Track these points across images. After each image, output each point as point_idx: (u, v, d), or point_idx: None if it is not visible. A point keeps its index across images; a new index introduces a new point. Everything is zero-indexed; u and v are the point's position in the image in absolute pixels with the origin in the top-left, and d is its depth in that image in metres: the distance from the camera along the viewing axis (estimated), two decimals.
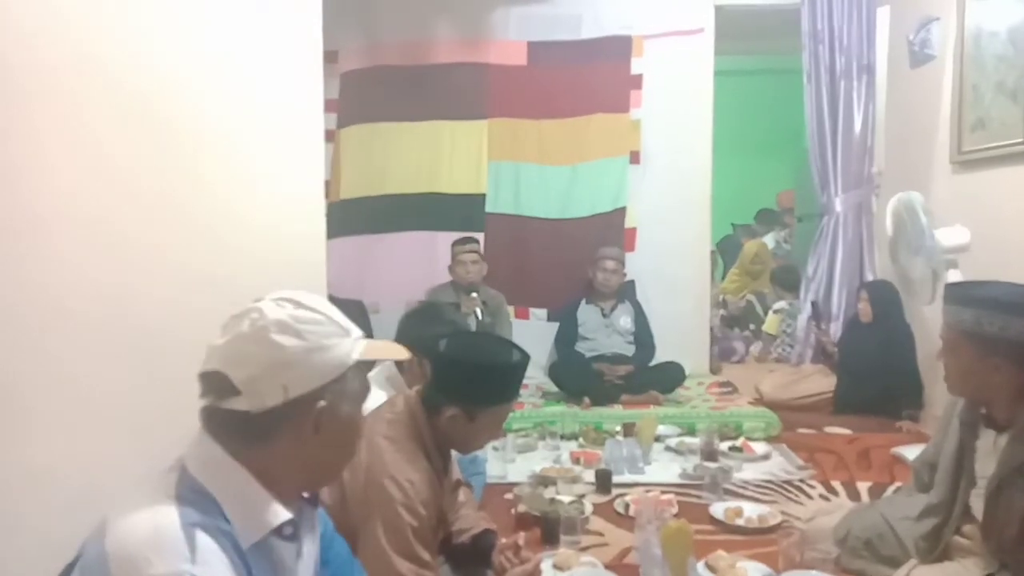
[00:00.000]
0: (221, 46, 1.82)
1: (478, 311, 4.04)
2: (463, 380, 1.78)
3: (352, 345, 1.07)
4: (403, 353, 1.19)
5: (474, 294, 4.16)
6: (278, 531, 1.03)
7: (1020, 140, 3.14)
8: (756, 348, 5.48)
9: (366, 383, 1.12)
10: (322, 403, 1.03)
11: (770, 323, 5.44)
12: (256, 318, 1.02)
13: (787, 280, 5.56)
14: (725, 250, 6.98)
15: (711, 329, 5.10)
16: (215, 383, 1.00)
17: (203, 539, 0.94)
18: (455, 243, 4.39)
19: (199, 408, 1.03)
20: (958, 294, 1.95)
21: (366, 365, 1.12)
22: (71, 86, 1.41)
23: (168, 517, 0.94)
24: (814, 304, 4.64)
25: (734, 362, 5.34)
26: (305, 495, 1.14)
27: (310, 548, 1.13)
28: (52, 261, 1.35)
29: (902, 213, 3.13)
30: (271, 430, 1.01)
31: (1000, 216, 3.27)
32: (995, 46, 3.34)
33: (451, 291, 4.30)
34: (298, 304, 1.04)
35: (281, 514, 1.03)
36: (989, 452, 1.92)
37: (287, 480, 1.05)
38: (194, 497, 0.98)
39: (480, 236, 4.62)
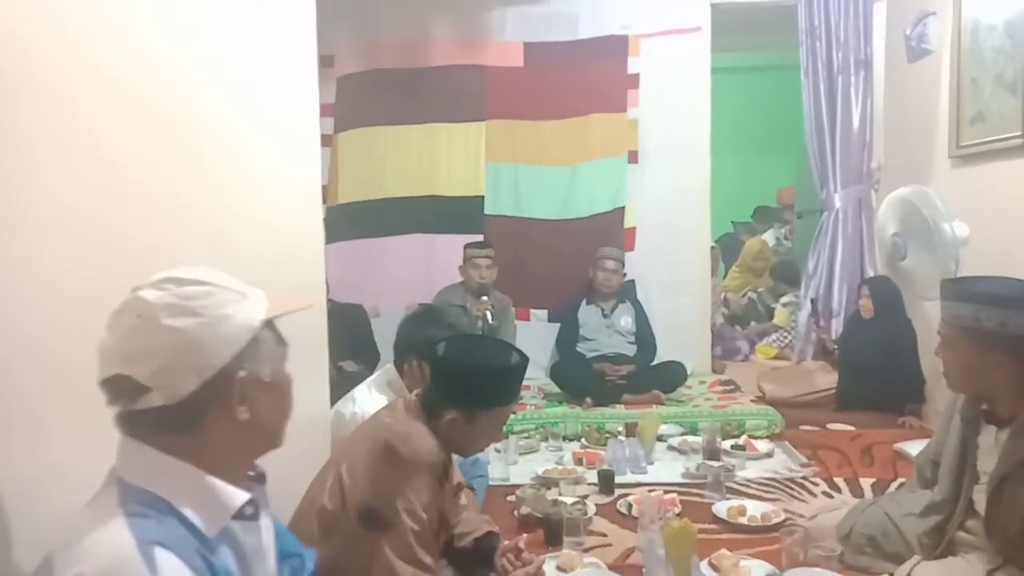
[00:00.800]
0: (215, 51, 1.81)
1: (488, 314, 4.04)
2: (461, 383, 1.78)
3: (253, 306, 1.02)
4: (304, 303, 1.16)
5: (484, 297, 4.17)
6: (239, 513, 1.00)
7: (1019, 133, 3.13)
8: (770, 340, 5.47)
9: (281, 338, 1.08)
10: (241, 373, 0.99)
11: (779, 316, 5.45)
12: (141, 308, 0.95)
13: (786, 275, 5.56)
14: (725, 248, 6.96)
15: (713, 327, 5.09)
16: (121, 387, 0.94)
17: (163, 557, 0.88)
18: (469, 246, 4.38)
19: (113, 416, 0.97)
20: (957, 290, 1.94)
21: (273, 323, 1.07)
22: (66, 90, 1.41)
23: (122, 539, 0.88)
24: (813, 301, 4.64)
25: (738, 360, 5.33)
26: (252, 473, 1.11)
27: (267, 523, 1.12)
28: (50, 264, 1.35)
29: (913, 207, 3.14)
30: (197, 416, 0.97)
31: (1000, 210, 3.26)
32: (993, 39, 3.33)
33: (461, 293, 4.30)
34: (180, 281, 0.98)
35: (238, 496, 1.00)
36: (991, 448, 1.92)
37: (232, 458, 1.02)
38: (144, 506, 0.93)
39: (477, 238, 4.62)
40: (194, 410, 0.96)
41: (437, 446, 1.76)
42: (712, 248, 5.47)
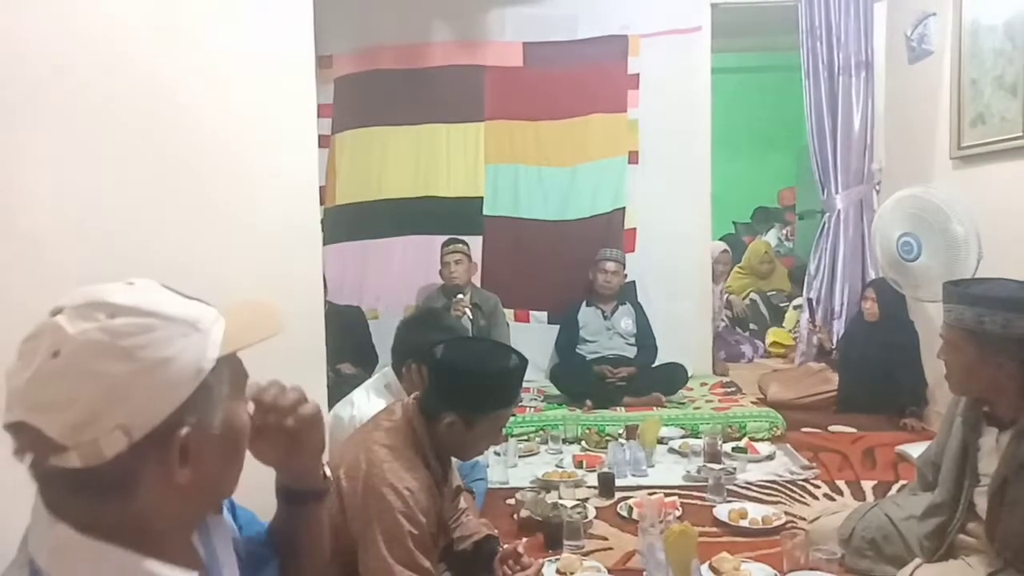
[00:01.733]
0: (211, 52, 1.81)
1: (467, 312, 4.02)
2: (460, 387, 1.77)
3: (205, 342, 0.80)
4: (275, 326, 0.89)
5: (460, 296, 4.14)
6: None
7: (1020, 134, 3.11)
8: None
9: (239, 368, 0.87)
10: (184, 430, 0.77)
11: (790, 319, 5.45)
12: (56, 343, 0.74)
13: (803, 278, 5.59)
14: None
15: (716, 330, 5.08)
16: (28, 439, 0.74)
17: None
18: (442, 244, 4.38)
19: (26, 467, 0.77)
20: (958, 292, 1.93)
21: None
22: (61, 92, 1.41)
23: None
24: (810, 302, 4.63)
25: (743, 363, 5.31)
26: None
27: (225, 559, 0.93)
28: (48, 267, 1.34)
29: (932, 204, 3.15)
30: (124, 481, 0.76)
31: (1001, 211, 3.25)
32: (993, 40, 3.32)
33: (440, 295, 4.30)
34: (113, 310, 0.76)
35: None
36: (993, 450, 1.91)
37: (172, 528, 0.83)
38: None
39: (477, 239, 4.61)
40: (120, 475, 0.75)
41: (426, 486, 1.74)
42: (724, 252, 5.47)
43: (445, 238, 4.49)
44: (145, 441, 0.75)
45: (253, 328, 0.87)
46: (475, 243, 4.69)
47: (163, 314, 0.78)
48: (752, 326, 5.76)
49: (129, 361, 0.74)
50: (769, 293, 5.92)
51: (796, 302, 5.49)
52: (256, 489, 1.02)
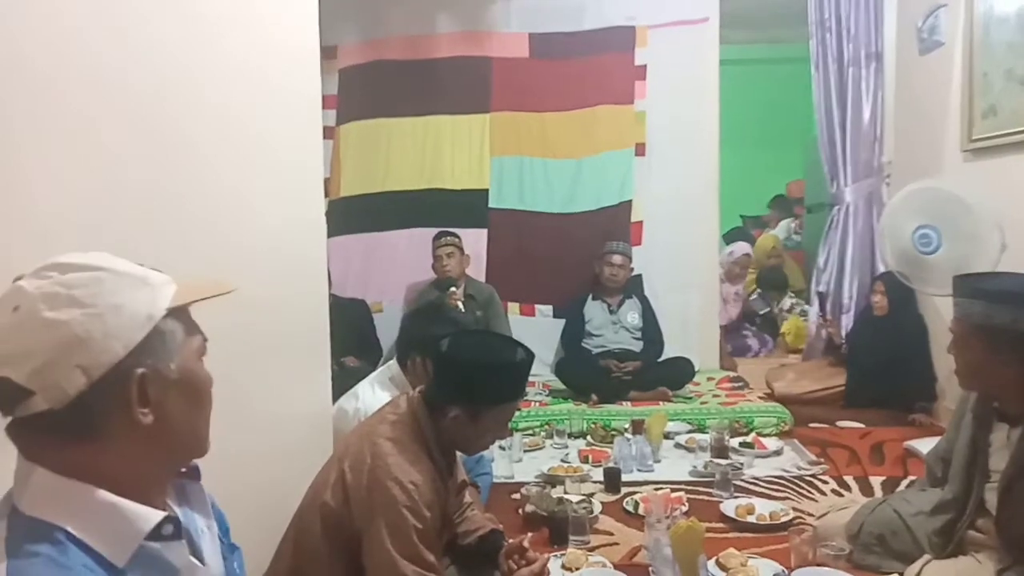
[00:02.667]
0: (215, 43, 1.80)
1: (460, 305, 4.00)
2: (465, 380, 1.75)
3: (155, 293, 0.87)
4: (226, 285, 0.95)
5: (453, 288, 4.13)
6: (157, 534, 0.87)
7: None
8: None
9: (194, 328, 0.94)
10: (140, 370, 0.84)
11: (788, 326, 5.41)
12: (18, 300, 0.82)
13: (775, 281, 5.57)
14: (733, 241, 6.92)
15: (726, 325, 5.06)
16: (0, 391, 0.82)
17: None
18: (433, 238, 4.37)
19: (4, 427, 0.85)
20: (968, 287, 1.91)
21: (184, 310, 0.92)
22: (63, 85, 1.40)
23: None
24: (820, 295, 4.60)
25: (750, 357, 5.29)
26: (183, 469, 0.98)
27: (205, 524, 0.99)
28: None
29: (954, 196, 3.13)
30: (90, 422, 0.83)
31: (1011, 204, 3.21)
32: (1004, 32, 3.28)
33: (433, 288, 4.29)
34: (65, 267, 0.84)
35: (150, 518, 0.86)
36: (1003, 446, 1.90)
37: (142, 471, 0.88)
38: (35, 542, 0.80)
39: (482, 232, 4.59)
40: (86, 414, 0.82)
41: (431, 480, 1.73)
42: (746, 255, 5.45)
43: (468, 233, 4.48)
44: (104, 381, 0.82)
45: (203, 288, 0.93)
46: (480, 236, 4.68)
47: (113, 269, 0.86)
48: (758, 320, 5.73)
49: (82, 307, 0.82)
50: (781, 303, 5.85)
51: (801, 307, 5.45)
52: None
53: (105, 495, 0.84)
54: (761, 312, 5.66)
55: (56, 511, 0.82)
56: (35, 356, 0.80)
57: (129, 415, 0.84)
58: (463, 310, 4.00)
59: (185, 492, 0.97)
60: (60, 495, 0.83)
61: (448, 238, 4.35)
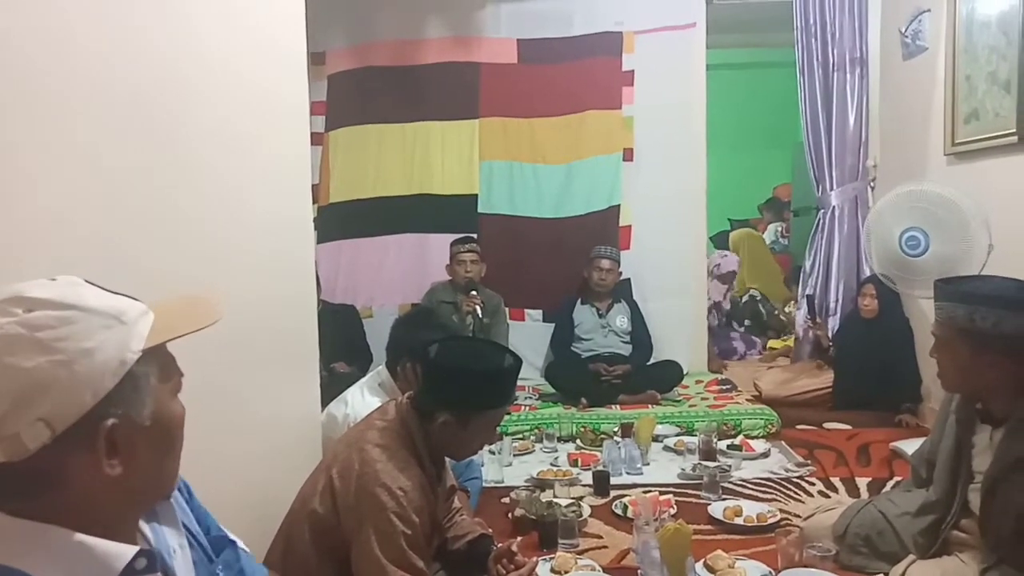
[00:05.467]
0: (200, 48, 1.80)
1: (478, 309, 4.01)
2: (454, 386, 1.76)
3: (129, 333, 0.79)
4: (208, 317, 0.86)
5: (474, 292, 4.14)
6: (131, 570, 0.80)
7: (1014, 131, 3.11)
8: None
9: (170, 366, 0.86)
10: (110, 421, 0.76)
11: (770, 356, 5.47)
12: None
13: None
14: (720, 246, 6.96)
15: (711, 327, 5.08)
16: None
17: None
18: (454, 243, 4.38)
19: None
20: (950, 290, 1.93)
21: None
22: (54, 91, 1.40)
23: None
24: (809, 298, 4.63)
25: (735, 360, 5.32)
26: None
27: (176, 543, 0.93)
28: (45, 267, 1.33)
29: (943, 199, 3.17)
30: (54, 473, 0.75)
31: (994, 207, 3.25)
32: (987, 36, 3.32)
33: (450, 290, 4.29)
34: (31, 303, 0.75)
35: (122, 554, 0.79)
36: (986, 447, 1.91)
37: (110, 513, 0.81)
38: None
39: (471, 237, 4.59)
40: (47, 467, 0.74)
41: (419, 486, 1.73)
42: (732, 272, 5.49)
43: (446, 237, 4.46)
44: (69, 434, 0.74)
45: (184, 319, 0.85)
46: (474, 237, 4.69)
47: (83, 306, 0.77)
48: (747, 322, 5.76)
49: (48, 353, 0.73)
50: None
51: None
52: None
53: (71, 534, 0.77)
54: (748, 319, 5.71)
55: (16, 554, 0.74)
56: None
57: (96, 464, 0.77)
58: (478, 315, 4.01)
59: (153, 508, 0.91)
60: (19, 537, 0.75)
61: (470, 244, 4.34)
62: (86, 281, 0.82)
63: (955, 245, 3.21)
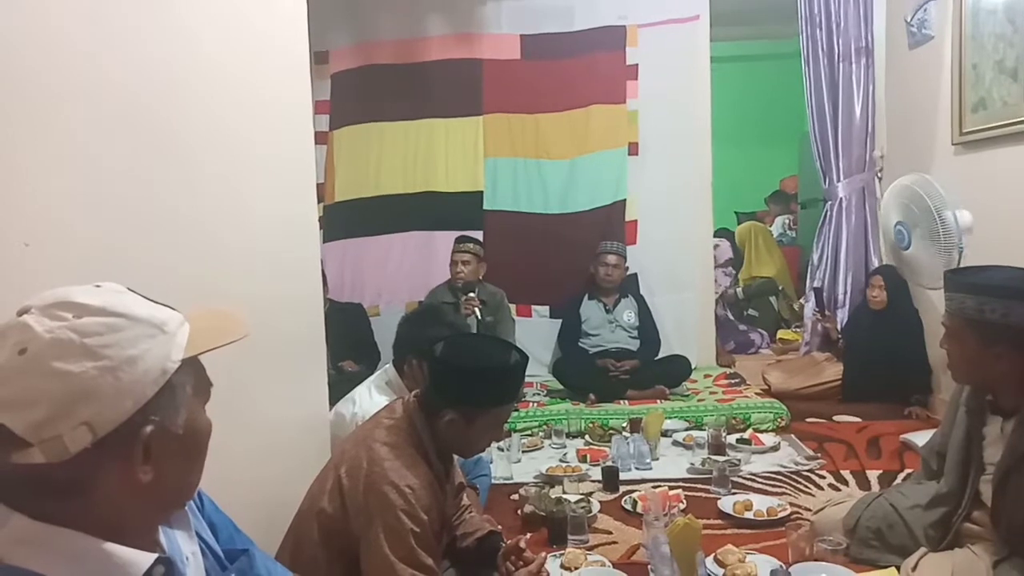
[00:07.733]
0: (205, 49, 1.80)
1: (477, 312, 4.00)
2: (460, 384, 1.76)
3: (170, 343, 0.82)
4: (238, 331, 0.89)
5: (471, 294, 4.12)
6: None
7: (1022, 119, 3.09)
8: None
9: (203, 377, 0.89)
10: (149, 428, 0.79)
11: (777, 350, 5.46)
12: (23, 341, 0.75)
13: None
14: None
15: (719, 320, 5.07)
16: None
17: None
18: (454, 241, 4.38)
19: None
20: (959, 281, 1.92)
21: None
22: (53, 92, 1.40)
23: None
24: (816, 291, 4.61)
25: (750, 353, 5.30)
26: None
27: (189, 550, 0.94)
28: (42, 269, 1.34)
29: (916, 195, 3.14)
30: (87, 477, 0.77)
31: (1002, 197, 3.23)
32: (993, 24, 3.29)
33: (448, 292, 4.28)
34: (80, 309, 0.78)
35: (140, 562, 0.81)
36: (997, 438, 1.90)
37: (133, 520, 0.83)
38: None
39: (479, 234, 4.59)
40: (83, 471, 0.76)
41: (427, 484, 1.73)
42: (728, 260, 5.47)
43: (452, 235, 4.44)
44: (109, 439, 0.76)
45: (217, 332, 0.88)
46: (475, 238, 4.68)
47: (130, 315, 0.80)
48: (752, 311, 5.73)
49: (95, 359, 0.76)
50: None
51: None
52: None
53: (91, 540, 0.78)
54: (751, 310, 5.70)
55: (36, 559, 0.76)
56: (38, 407, 0.74)
57: (128, 473, 0.79)
58: (479, 317, 4.00)
59: (172, 522, 0.93)
60: (41, 542, 0.77)
61: (466, 244, 4.29)
62: (128, 289, 0.85)
63: (927, 242, 3.19)
